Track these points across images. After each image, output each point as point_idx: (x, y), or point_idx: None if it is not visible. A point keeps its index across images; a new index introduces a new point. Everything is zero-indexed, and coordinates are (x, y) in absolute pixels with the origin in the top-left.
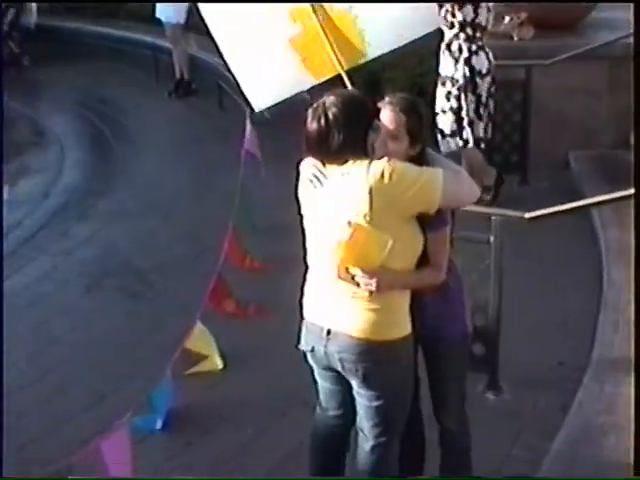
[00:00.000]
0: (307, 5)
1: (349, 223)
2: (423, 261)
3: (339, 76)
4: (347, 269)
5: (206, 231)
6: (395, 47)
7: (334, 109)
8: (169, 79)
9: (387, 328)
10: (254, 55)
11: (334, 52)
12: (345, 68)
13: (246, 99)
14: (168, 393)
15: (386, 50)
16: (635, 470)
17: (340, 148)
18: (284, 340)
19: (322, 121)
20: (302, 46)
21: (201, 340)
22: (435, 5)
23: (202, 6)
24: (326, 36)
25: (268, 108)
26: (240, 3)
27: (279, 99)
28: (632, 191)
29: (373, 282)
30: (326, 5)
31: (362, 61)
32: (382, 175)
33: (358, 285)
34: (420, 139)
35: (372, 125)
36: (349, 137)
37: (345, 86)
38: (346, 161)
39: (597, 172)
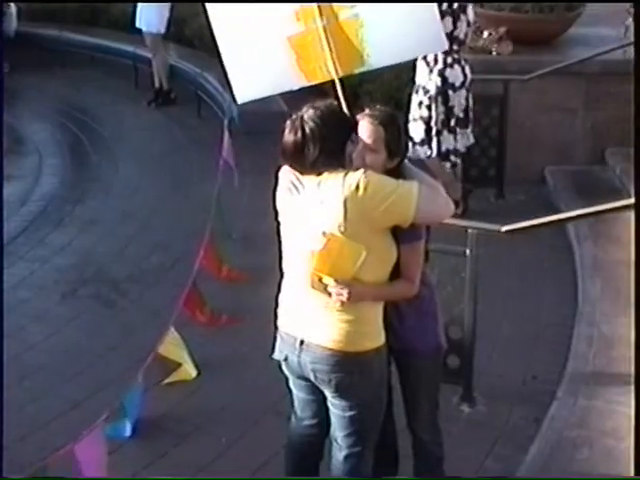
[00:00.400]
0: (314, 5)
1: (323, 233)
2: (396, 273)
3: (331, 82)
4: (320, 279)
5: (182, 240)
6: (395, 62)
7: (311, 123)
8: (148, 88)
9: (360, 339)
10: (248, 46)
11: (332, 58)
12: (340, 75)
13: (230, 88)
14: (138, 399)
15: (385, 64)
16: (635, 470)
17: (315, 161)
18: (259, 349)
19: (299, 134)
20: (300, 46)
21: (174, 347)
22: (442, 27)
23: None
24: (327, 40)
25: (249, 102)
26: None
27: (264, 94)
28: (632, 201)
29: (344, 292)
30: (335, 7)
31: (359, 71)
32: (357, 186)
33: (330, 295)
34: (398, 152)
35: (350, 138)
36: (325, 151)
37: (337, 93)
38: (327, 171)
39: (573, 188)
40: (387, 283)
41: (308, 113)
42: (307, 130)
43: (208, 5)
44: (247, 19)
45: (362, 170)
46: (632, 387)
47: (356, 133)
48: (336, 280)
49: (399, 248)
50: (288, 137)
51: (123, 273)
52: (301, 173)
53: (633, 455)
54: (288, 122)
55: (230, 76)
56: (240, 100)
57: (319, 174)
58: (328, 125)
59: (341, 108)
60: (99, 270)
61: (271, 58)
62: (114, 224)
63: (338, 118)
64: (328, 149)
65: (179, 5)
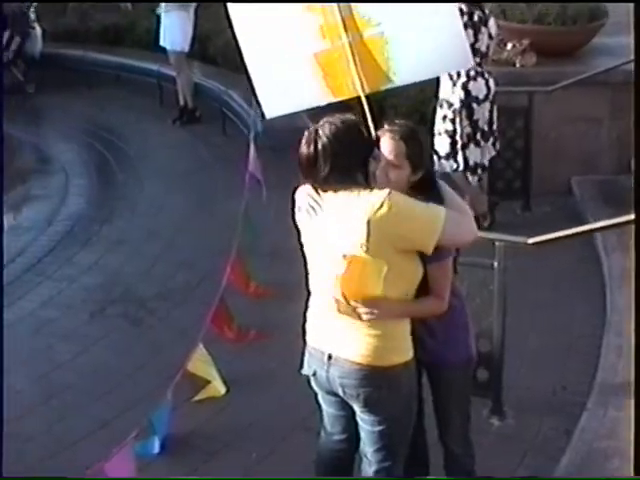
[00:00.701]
0: (339, 21)
1: (344, 256)
2: (425, 290)
3: (357, 98)
4: (347, 301)
5: (209, 258)
6: (421, 80)
7: (324, 139)
8: (173, 106)
9: (388, 354)
10: (275, 62)
11: (358, 74)
12: (367, 92)
13: (258, 104)
14: (167, 416)
15: (411, 81)
16: (635, 470)
17: (327, 177)
18: (288, 365)
19: (311, 148)
20: (326, 63)
21: (202, 364)
22: (467, 44)
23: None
24: (353, 57)
25: (276, 117)
26: (271, 6)
27: (291, 110)
28: (632, 216)
29: (373, 312)
30: (360, 24)
31: (385, 88)
32: (381, 207)
33: (359, 316)
34: (421, 166)
35: (368, 154)
36: (337, 168)
37: (362, 109)
38: (342, 188)
39: (599, 198)
40: (416, 300)
41: (323, 128)
42: (319, 146)
43: (234, 20)
44: (273, 35)
45: (387, 191)
46: (634, 387)
47: (378, 149)
48: (363, 301)
49: (427, 266)
50: (302, 150)
51: (150, 292)
52: (316, 189)
53: (633, 455)
54: (305, 134)
55: (257, 91)
56: (268, 115)
57: (336, 190)
58: (342, 142)
59: (360, 124)
60: (126, 289)
61: (298, 74)
62: (140, 243)
63: (353, 135)
64: (341, 166)
65: (203, 23)
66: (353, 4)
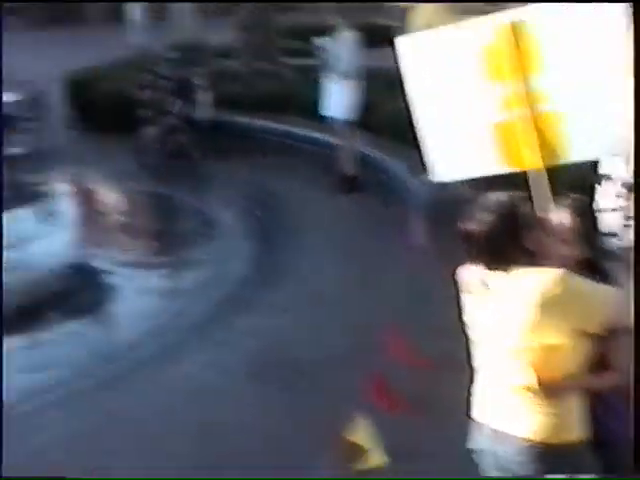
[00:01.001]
0: (521, 93)
1: (537, 344)
2: (603, 363)
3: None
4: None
5: (370, 326)
6: (595, 158)
7: (482, 216)
8: (336, 175)
9: (562, 431)
10: (452, 128)
11: (534, 147)
12: (541, 166)
13: (424, 167)
14: None
15: (586, 158)
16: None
17: (483, 256)
18: (449, 438)
19: (467, 227)
20: (504, 133)
21: (362, 433)
22: None
23: (404, 58)
24: (531, 130)
25: (443, 184)
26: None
27: (463, 177)
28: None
29: (557, 391)
30: (535, 95)
31: (559, 162)
32: (553, 287)
33: (544, 396)
34: (592, 242)
35: (527, 233)
36: (493, 248)
37: (528, 183)
38: (502, 267)
39: None
40: (594, 375)
41: (483, 205)
42: (477, 222)
43: (410, 82)
44: (452, 101)
45: (560, 270)
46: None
47: (551, 223)
48: (547, 382)
49: (601, 342)
50: (463, 225)
51: (310, 357)
52: (484, 267)
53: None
54: (464, 212)
55: (429, 154)
56: (437, 179)
57: (497, 270)
58: (497, 224)
59: (521, 201)
60: (287, 354)
61: (474, 142)
62: (302, 309)
63: (510, 216)
64: (496, 247)
65: (368, 92)
66: (531, 81)
